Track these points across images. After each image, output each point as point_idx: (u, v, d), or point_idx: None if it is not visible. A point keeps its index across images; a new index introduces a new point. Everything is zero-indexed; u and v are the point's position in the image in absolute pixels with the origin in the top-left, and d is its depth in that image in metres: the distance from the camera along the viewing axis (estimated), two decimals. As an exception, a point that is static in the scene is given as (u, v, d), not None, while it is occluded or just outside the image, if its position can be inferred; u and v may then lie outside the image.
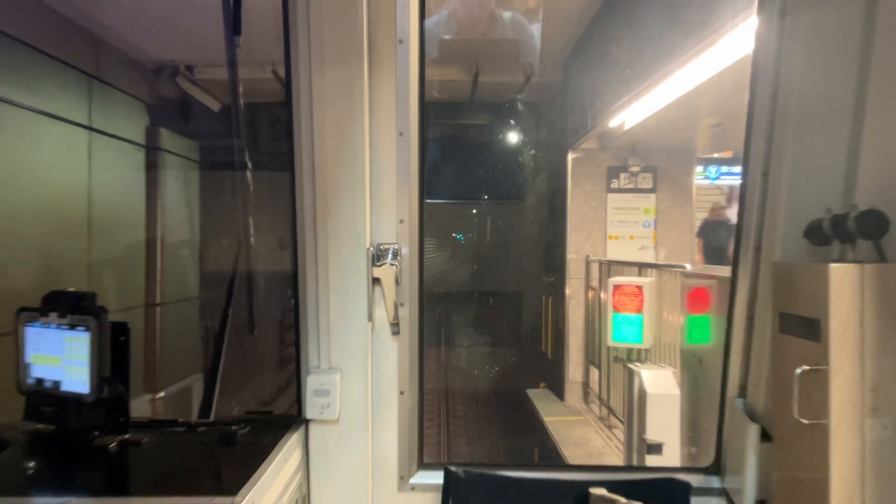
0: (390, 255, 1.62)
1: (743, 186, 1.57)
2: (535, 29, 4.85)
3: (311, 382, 1.59)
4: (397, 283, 1.64)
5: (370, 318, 1.61)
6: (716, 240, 7.01)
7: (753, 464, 1.44)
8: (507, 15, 4.38)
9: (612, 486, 1.48)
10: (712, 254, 6.98)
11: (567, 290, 7.09)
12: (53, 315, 1.46)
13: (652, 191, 7.23)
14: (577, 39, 5.97)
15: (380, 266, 1.62)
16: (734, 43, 3.30)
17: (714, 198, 7.94)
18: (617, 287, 5.35)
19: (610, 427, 5.99)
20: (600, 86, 5.68)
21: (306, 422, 1.62)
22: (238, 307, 1.96)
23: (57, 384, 1.47)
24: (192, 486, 1.30)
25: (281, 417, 1.65)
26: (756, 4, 1.51)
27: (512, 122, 7.64)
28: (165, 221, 5.07)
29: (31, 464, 1.33)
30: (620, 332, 5.22)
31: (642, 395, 3.74)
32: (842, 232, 1.22)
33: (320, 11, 1.49)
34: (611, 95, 5.38)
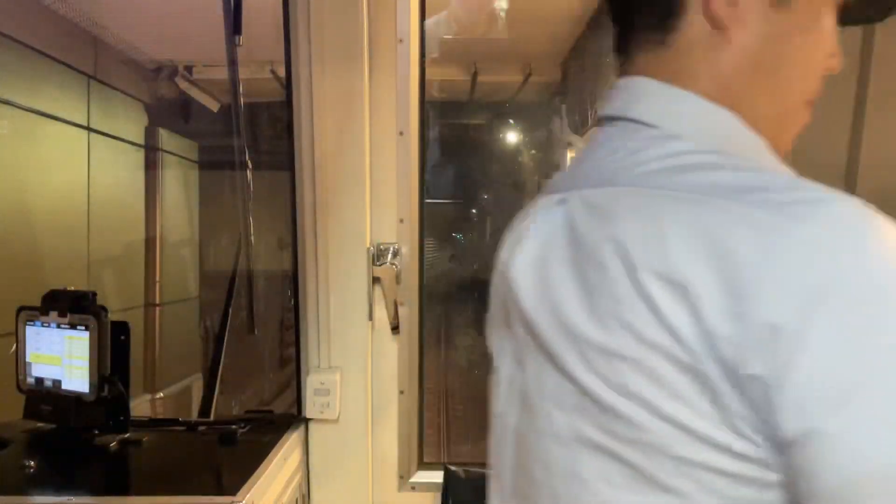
0: (390, 255, 1.62)
1: (742, 186, 1.57)
2: (536, 28, 4.84)
3: (311, 382, 1.59)
4: (397, 282, 1.64)
5: (370, 317, 1.61)
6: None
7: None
8: (507, 15, 4.38)
9: (612, 486, 1.48)
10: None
11: (566, 290, 7.08)
12: (53, 314, 1.46)
13: (651, 190, 7.22)
14: (576, 39, 5.97)
15: (380, 265, 1.62)
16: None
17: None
18: (616, 287, 5.34)
19: (609, 427, 5.98)
20: (600, 85, 5.68)
21: (306, 421, 1.62)
22: (238, 307, 1.96)
23: (57, 383, 1.47)
24: (193, 485, 1.30)
25: (281, 417, 1.65)
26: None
27: (511, 121, 7.64)
28: (165, 221, 5.07)
29: (31, 462, 1.33)
30: (620, 331, 5.21)
31: (642, 394, 3.73)
32: (841, 231, 1.23)
33: (320, 11, 1.49)
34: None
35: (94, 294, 1.48)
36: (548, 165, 7.70)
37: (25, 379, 1.51)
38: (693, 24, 0.55)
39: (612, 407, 0.49)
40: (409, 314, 1.67)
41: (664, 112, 0.56)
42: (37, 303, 1.50)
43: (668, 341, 0.45)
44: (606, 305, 0.50)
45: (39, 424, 1.53)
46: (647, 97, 0.57)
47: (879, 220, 0.44)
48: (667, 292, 0.45)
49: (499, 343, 0.68)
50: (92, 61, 4.39)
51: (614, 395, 0.49)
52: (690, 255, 0.45)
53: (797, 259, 0.41)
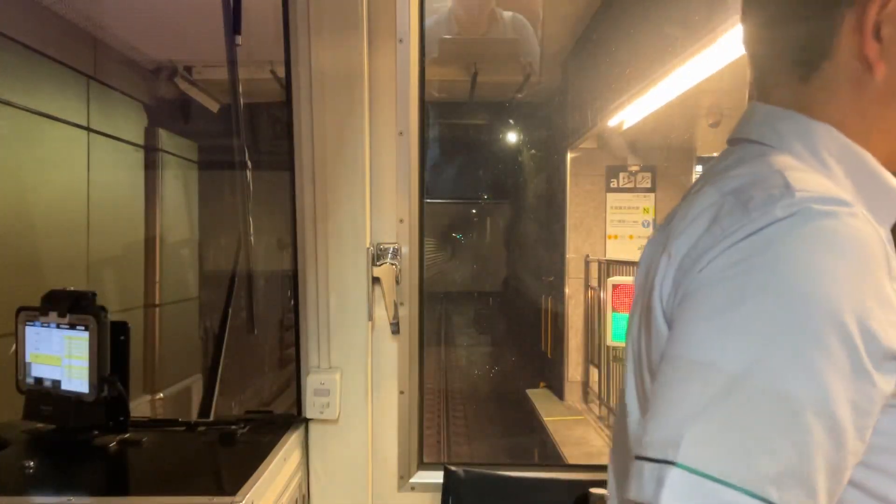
0: (390, 255, 1.62)
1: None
2: (536, 28, 4.84)
3: (311, 382, 1.59)
4: (397, 282, 1.64)
5: (370, 317, 1.61)
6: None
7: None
8: (507, 15, 4.38)
9: (613, 486, 1.48)
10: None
11: (566, 290, 7.09)
12: (53, 314, 1.46)
13: (651, 190, 7.22)
14: (576, 39, 5.97)
15: (380, 265, 1.61)
16: (734, 42, 3.30)
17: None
18: (616, 287, 5.35)
19: (610, 427, 5.99)
20: (600, 85, 5.68)
21: (306, 421, 1.62)
22: (238, 307, 1.96)
23: (57, 383, 1.47)
24: (192, 485, 1.30)
25: (281, 417, 1.65)
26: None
27: (511, 121, 7.64)
28: (164, 222, 5.07)
29: (31, 463, 1.33)
30: (620, 331, 5.22)
31: (642, 394, 3.73)
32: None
33: (320, 11, 1.49)
34: (610, 94, 5.38)
35: (94, 294, 1.48)
36: (548, 165, 7.69)
37: (25, 379, 1.51)
38: (840, 64, 0.60)
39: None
40: (409, 314, 1.67)
41: (769, 131, 0.63)
42: (37, 303, 1.50)
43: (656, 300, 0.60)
44: (655, 279, 0.62)
45: (39, 425, 1.53)
46: (756, 120, 0.65)
47: (826, 254, 0.49)
48: (665, 258, 0.59)
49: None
50: (91, 61, 4.39)
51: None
52: (684, 232, 0.58)
53: (729, 246, 0.52)
